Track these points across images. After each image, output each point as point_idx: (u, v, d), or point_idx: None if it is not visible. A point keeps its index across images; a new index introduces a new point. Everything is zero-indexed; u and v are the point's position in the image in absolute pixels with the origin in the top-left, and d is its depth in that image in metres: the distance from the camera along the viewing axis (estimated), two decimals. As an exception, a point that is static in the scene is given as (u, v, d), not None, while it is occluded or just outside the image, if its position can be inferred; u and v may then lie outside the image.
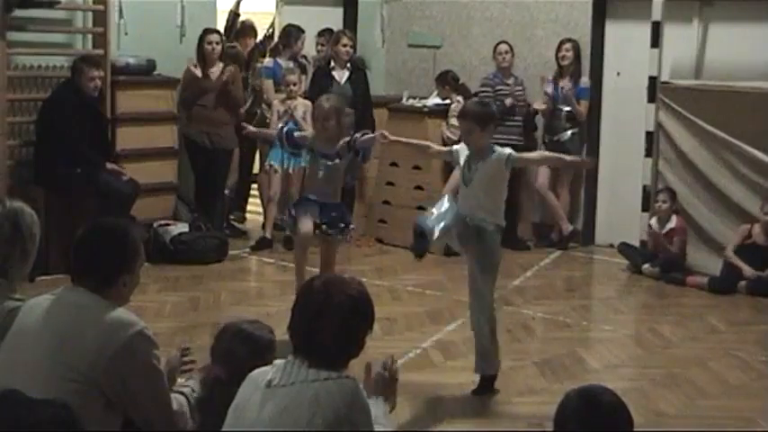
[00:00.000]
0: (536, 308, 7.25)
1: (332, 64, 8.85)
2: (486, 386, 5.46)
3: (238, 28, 9.41)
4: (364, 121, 8.95)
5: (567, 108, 8.98)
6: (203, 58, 8.49)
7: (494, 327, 5.43)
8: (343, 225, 6.13)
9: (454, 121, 8.81)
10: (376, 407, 3.08)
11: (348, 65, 8.84)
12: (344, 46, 8.79)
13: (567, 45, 9.02)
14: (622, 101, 9.11)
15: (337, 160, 6.10)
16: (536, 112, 9.20)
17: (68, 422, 2.13)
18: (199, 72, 8.47)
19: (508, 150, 5.38)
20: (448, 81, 9.02)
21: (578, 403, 2.54)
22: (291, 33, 9.11)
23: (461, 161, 5.41)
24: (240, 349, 3.38)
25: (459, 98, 8.92)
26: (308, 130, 8.18)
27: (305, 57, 9.25)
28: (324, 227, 6.05)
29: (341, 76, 8.84)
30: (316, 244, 6.24)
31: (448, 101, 9.06)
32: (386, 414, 3.14)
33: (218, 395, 3.08)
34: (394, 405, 3.24)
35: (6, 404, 2.10)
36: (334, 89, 8.76)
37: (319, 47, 9.38)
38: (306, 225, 5.98)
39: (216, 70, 8.51)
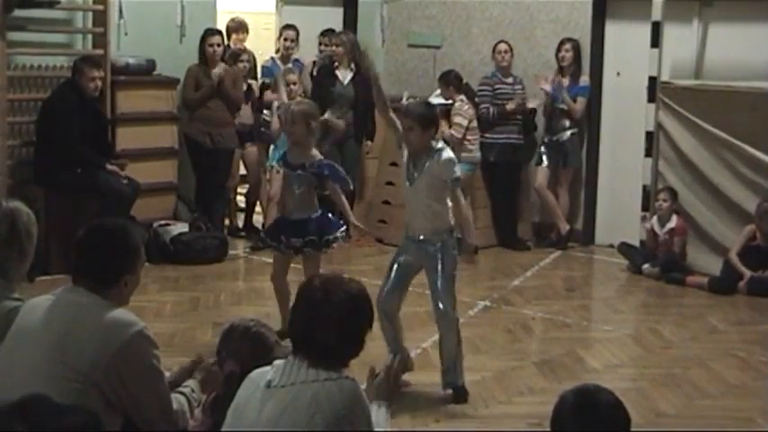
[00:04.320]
0: (536, 308, 7.25)
1: (335, 64, 8.84)
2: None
3: (229, 26, 9.35)
4: (365, 122, 8.97)
5: (563, 105, 8.98)
6: (205, 59, 8.50)
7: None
8: (323, 237, 6.01)
9: (458, 120, 8.79)
10: (378, 413, 3.07)
11: (352, 65, 8.84)
12: (336, 46, 8.80)
13: (567, 45, 9.03)
14: (622, 101, 9.11)
15: (300, 172, 6.03)
16: (534, 111, 9.19)
17: (96, 430, 2.12)
18: (202, 73, 8.46)
19: (457, 173, 5.28)
20: (451, 81, 8.99)
21: (575, 403, 2.54)
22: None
23: (405, 156, 5.38)
24: (250, 348, 3.39)
25: (462, 97, 8.91)
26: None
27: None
28: (298, 245, 6.00)
29: (344, 76, 8.84)
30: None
31: (450, 101, 9.05)
32: (387, 420, 3.14)
33: (234, 391, 3.07)
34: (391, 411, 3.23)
35: (34, 410, 2.08)
36: (336, 89, 8.77)
37: (322, 47, 9.36)
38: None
39: (218, 71, 8.51)
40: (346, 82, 8.82)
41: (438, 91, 9.27)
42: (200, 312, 6.89)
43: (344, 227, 6.19)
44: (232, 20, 9.38)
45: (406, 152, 5.38)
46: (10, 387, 2.88)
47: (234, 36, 9.20)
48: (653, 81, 8.39)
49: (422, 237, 5.35)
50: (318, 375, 2.82)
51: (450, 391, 5.40)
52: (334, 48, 8.85)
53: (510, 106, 9.02)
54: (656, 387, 5.67)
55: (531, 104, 9.18)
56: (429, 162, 5.26)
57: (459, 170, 5.35)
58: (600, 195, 9.35)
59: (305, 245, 5.98)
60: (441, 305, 5.30)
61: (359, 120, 8.89)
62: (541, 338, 6.66)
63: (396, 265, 5.48)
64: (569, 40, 9.05)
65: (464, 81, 9.06)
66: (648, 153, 8.51)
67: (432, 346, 6.24)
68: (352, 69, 8.83)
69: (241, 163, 9.25)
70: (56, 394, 2.56)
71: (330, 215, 6.24)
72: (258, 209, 9.31)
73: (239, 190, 9.70)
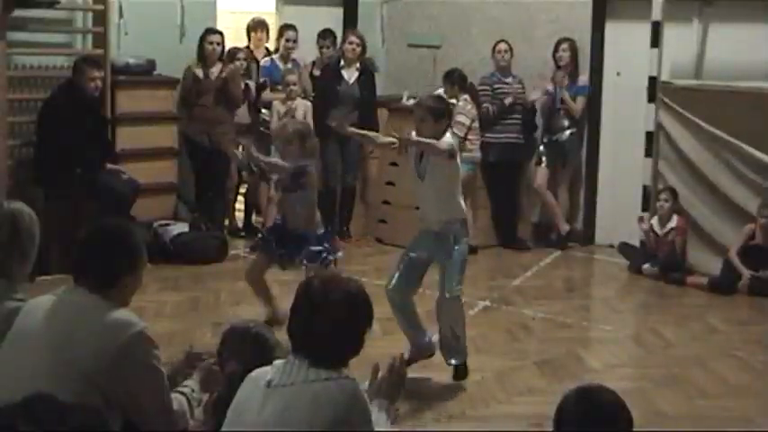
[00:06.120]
0: (536, 308, 7.25)
1: (341, 63, 8.85)
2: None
3: (249, 24, 9.41)
4: (369, 123, 8.97)
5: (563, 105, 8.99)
6: (204, 58, 8.51)
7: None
8: (312, 252, 6.09)
9: (461, 119, 8.76)
10: (380, 410, 3.07)
11: (358, 66, 8.84)
12: (351, 44, 8.82)
13: (564, 45, 9.02)
14: (622, 101, 9.11)
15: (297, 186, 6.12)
16: (534, 110, 9.19)
17: (101, 430, 2.11)
18: (200, 72, 8.49)
19: (450, 142, 5.45)
20: (456, 80, 8.97)
21: (578, 403, 2.55)
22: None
23: (412, 155, 5.48)
24: (250, 348, 3.39)
25: (466, 97, 8.90)
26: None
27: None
28: (286, 257, 6.13)
29: (350, 75, 8.84)
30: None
31: (454, 100, 9.02)
32: (387, 420, 3.14)
33: (236, 392, 3.07)
34: (396, 415, 3.23)
35: (39, 409, 2.06)
36: (342, 88, 8.77)
37: (324, 49, 9.34)
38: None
39: (216, 70, 8.52)
40: (351, 81, 8.82)
41: (441, 89, 9.26)
42: (200, 312, 6.90)
43: (337, 253, 6.26)
44: (252, 19, 9.49)
45: (412, 152, 5.47)
46: (10, 387, 2.88)
47: (253, 34, 9.29)
48: (653, 81, 8.39)
49: (437, 229, 5.44)
50: (318, 375, 2.82)
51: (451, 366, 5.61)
52: (348, 46, 8.84)
53: (508, 100, 9.02)
54: (656, 387, 5.68)
55: (532, 97, 9.15)
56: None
57: (453, 142, 5.44)
58: (600, 195, 9.35)
59: (299, 258, 6.09)
60: (447, 293, 5.41)
61: (362, 120, 8.89)
62: (541, 338, 6.66)
63: (407, 258, 5.58)
64: (566, 39, 9.05)
65: (469, 81, 9.05)
66: (648, 153, 8.51)
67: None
68: (357, 69, 8.84)
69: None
70: (56, 394, 2.56)
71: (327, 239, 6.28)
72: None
73: (239, 190, 9.71)
